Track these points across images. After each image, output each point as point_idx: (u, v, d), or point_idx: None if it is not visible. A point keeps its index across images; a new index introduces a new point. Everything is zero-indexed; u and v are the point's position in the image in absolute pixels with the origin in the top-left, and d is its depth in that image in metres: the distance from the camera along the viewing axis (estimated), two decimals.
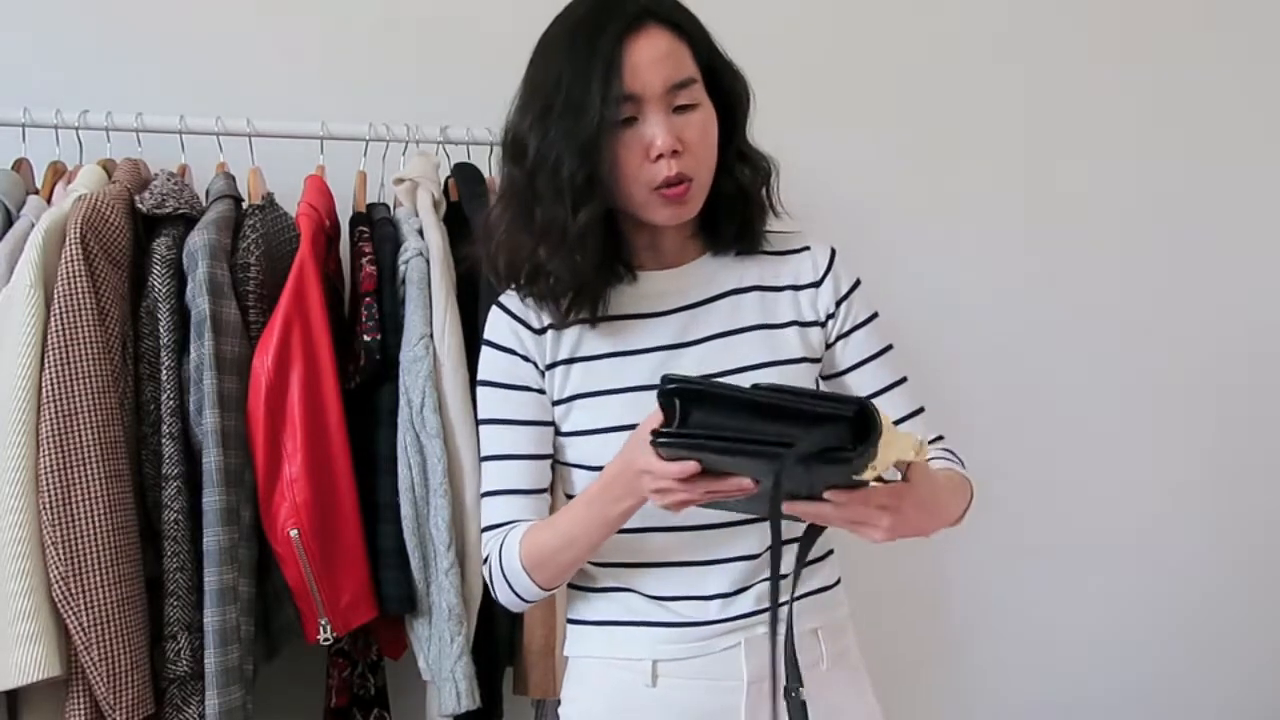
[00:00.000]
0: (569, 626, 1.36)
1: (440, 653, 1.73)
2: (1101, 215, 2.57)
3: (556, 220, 1.21)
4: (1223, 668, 2.65)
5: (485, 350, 1.32)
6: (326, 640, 1.71)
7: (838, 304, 1.33)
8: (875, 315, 1.36)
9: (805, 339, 1.31)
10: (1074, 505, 2.53)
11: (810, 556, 1.31)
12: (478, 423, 1.33)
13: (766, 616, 1.26)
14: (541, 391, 1.29)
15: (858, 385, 1.32)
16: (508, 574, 1.25)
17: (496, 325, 1.32)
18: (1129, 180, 2.58)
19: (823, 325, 1.32)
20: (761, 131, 1.33)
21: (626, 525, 1.26)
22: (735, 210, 1.29)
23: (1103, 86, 2.57)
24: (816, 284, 1.33)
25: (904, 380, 1.34)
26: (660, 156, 1.18)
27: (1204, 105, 2.63)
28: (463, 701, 1.71)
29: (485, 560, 1.29)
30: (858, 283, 1.35)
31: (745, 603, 1.27)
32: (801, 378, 1.29)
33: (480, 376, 1.32)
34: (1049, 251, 2.52)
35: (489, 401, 1.31)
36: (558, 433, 1.30)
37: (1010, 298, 2.49)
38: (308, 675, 1.93)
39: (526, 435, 1.29)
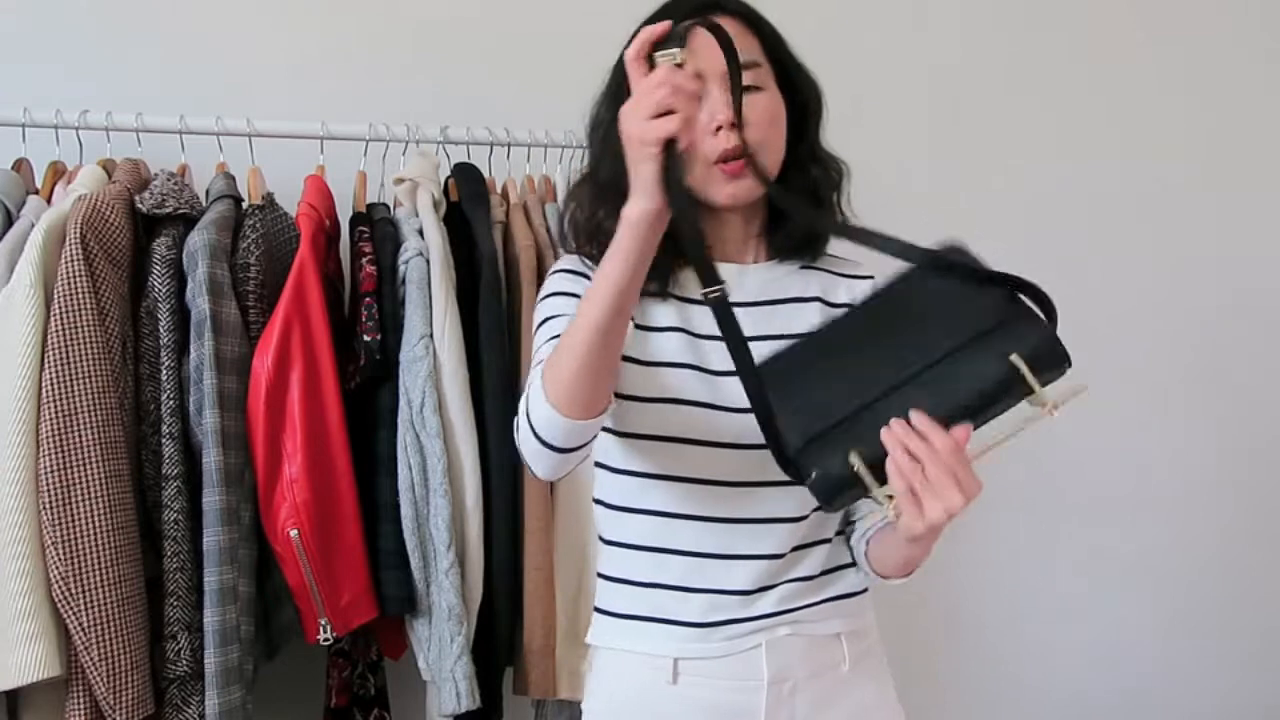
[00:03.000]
0: (595, 615, 1.36)
1: (440, 653, 1.73)
2: (1103, 206, 2.57)
3: (616, 179, 1.20)
4: (1233, 662, 2.66)
5: (554, 276, 1.32)
6: (326, 640, 1.71)
7: None
8: None
9: None
10: (1085, 501, 2.54)
11: (836, 564, 1.32)
12: (536, 327, 1.28)
13: (788, 617, 1.28)
14: None
15: None
16: (528, 406, 1.15)
17: (570, 260, 1.32)
18: (1132, 172, 2.59)
19: None
20: None
21: (658, 509, 1.27)
22: (804, 207, 1.30)
23: (1097, 85, 2.58)
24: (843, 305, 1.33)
25: None
26: (720, 129, 1.21)
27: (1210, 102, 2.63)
28: (463, 701, 1.71)
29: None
30: None
31: (767, 603, 1.27)
32: None
33: (543, 293, 1.31)
34: (1050, 243, 2.52)
35: (549, 305, 1.28)
36: None
37: None
38: (308, 675, 1.93)
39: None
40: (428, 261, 1.80)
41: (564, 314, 1.27)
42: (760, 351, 1.23)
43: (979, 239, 1.14)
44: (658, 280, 1.27)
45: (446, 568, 1.72)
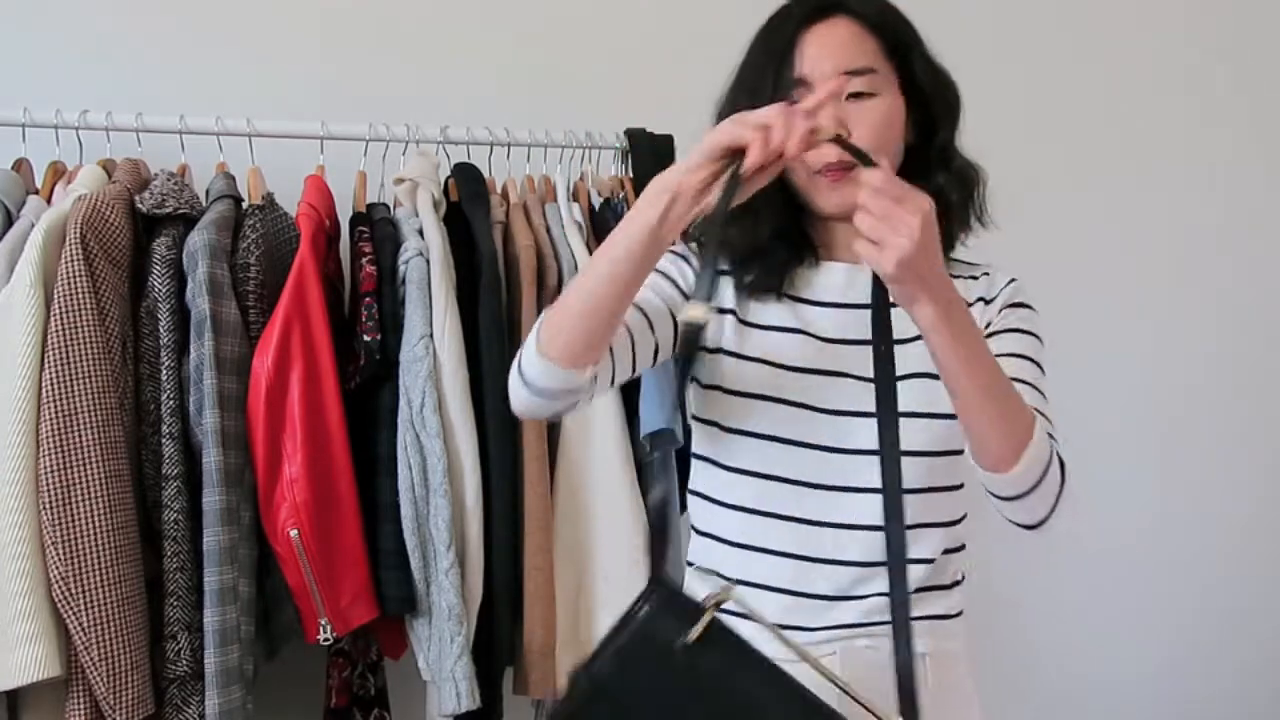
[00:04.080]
0: None
1: (440, 653, 1.73)
2: (1104, 212, 2.58)
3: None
4: (1226, 659, 2.66)
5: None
6: (326, 640, 1.71)
7: (999, 311, 1.30)
8: (1036, 336, 1.30)
9: None
10: (1081, 499, 2.54)
11: (932, 583, 1.28)
12: None
13: (868, 630, 1.23)
14: (686, 296, 1.28)
15: None
16: (523, 347, 1.16)
17: (677, 246, 1.32)
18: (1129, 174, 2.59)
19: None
20: None
21: (742, 504, 1.26)
22: None
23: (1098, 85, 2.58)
24: (988, 300, 1.31)
25: (1025, 383, 1.22)
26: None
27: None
28: (463, 701, 1.71)
29: None
30: (1028, 305, 1.32)
31: (850, 612, 1.25)
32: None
33: None
34: (1045, 250, 2.52)
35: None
36: (696, 382, 1.30)
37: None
38: (308, 675, 1.93)
39: (647, 286, 1.23)
40: (428, 261, 1.79)
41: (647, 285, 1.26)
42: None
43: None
44: (775, 281, 1.28)
45: (446, 568, 1.72)
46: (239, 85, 2.08)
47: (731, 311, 1.30)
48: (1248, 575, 2.70)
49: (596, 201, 2.06)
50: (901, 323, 1.24)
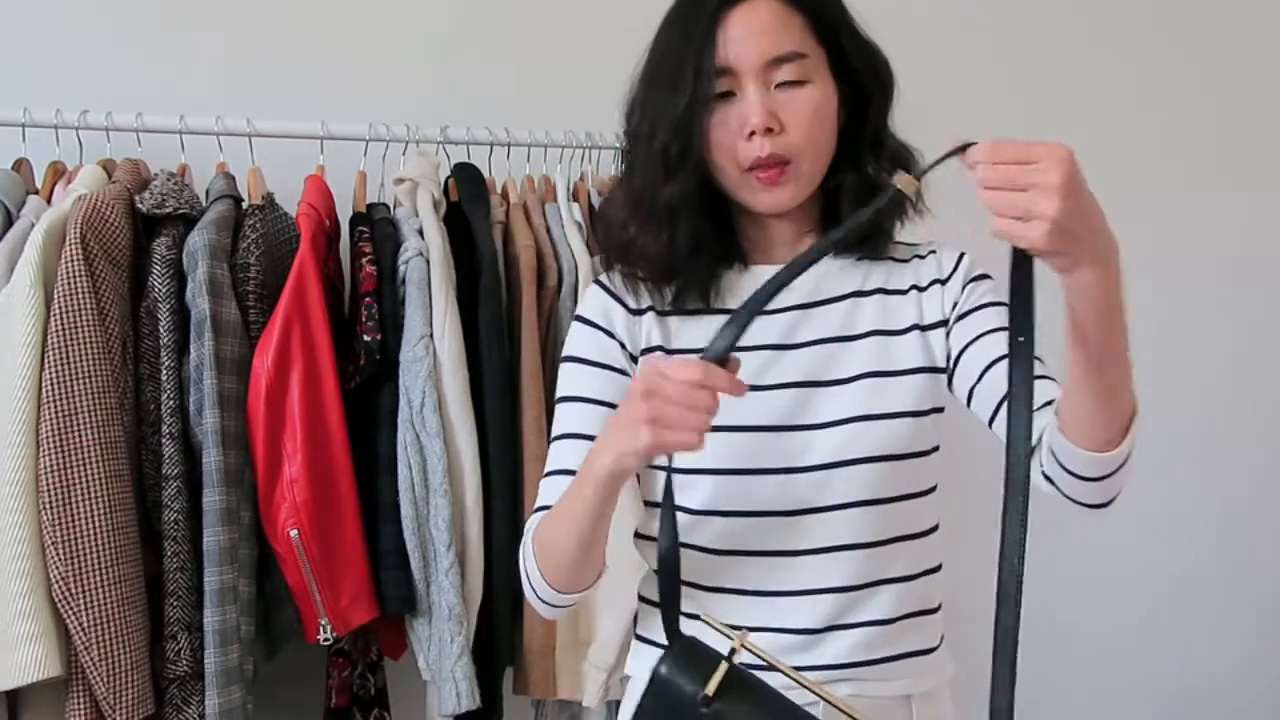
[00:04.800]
0: (634, 643, 1.26)
1: (440, 653, 1.73)
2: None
3: (648, 192, 1.16)
4: (1223, 657, 2.67)
5: (575, 326, 1.24)
6: (326, 640, 1.71)
7: (962, 289, 1.20)
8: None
9: (926, 346, 1.19)
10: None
11: (915, 609, 1.19)
12: (556, 400, 1.23)
13: (853, 673, 1.15)
14: (624, 374, 1.20)
15: (975, 359, 1.15)
16: (525, 565, 1.15)
17: (591, 301, 1.24)
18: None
19: (947, 322, 1.20)
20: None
21: (706, 545, 1.17)
22: (862, 205, 1.11)
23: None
24: (943, 280, 1.21)
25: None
26: (753, 134, 1.12)
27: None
28: (463, 701, 1.71)
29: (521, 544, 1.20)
30: (989, 276, 1.21)
31: (835, 650, 1.15)
32: (915, 389, 1.17)
33: (565, 353, 1.24)
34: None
35: (568, 377, 1.22)
36: None
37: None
38: (308, 675, 1.93)
39: (601, 416, 1.17)
40: (428, 261, 1.79)
41: (579, 396, 1.19)
42: (821, 355, 1.16)
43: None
44: (698, 295, 1.20)
45: (446, 568, 1.72)
46: (239, 85, 2.08)
47: (657, 348, 1.21)
48: (1246, 576, 2.70)
49: (596, 201, 2.06)
50: (848, 318, 1.19)
